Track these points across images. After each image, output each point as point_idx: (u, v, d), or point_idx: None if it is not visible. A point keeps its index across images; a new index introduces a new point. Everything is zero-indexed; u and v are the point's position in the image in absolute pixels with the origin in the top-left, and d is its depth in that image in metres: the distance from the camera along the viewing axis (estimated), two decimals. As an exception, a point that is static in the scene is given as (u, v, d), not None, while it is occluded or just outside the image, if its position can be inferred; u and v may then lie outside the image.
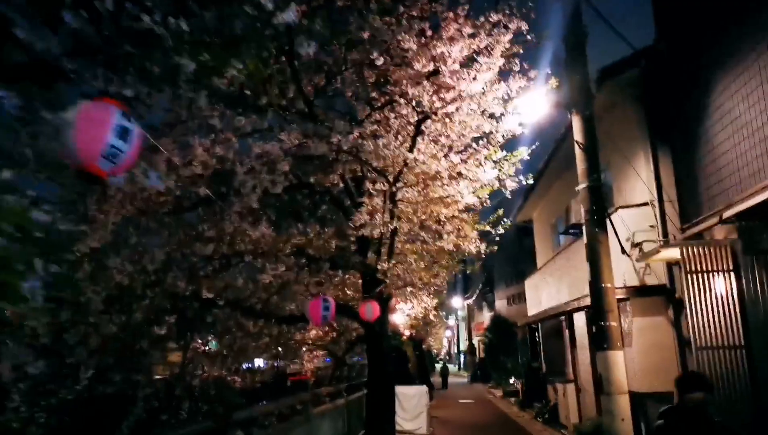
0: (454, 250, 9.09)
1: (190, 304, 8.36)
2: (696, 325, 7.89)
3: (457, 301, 48.37)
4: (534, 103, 8.27)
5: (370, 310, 7.85)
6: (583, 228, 8.45)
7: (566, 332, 14.57)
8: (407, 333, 24.16)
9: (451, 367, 61.20)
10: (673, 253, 8.53)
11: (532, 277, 19.03)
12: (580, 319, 13.21)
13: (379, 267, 8.01)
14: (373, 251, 8.67)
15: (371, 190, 8.26)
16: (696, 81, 8.80)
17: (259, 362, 26.10)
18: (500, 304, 33.94)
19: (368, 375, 9.00)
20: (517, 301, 29.88)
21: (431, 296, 21.60)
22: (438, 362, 50.17)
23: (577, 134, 8.38)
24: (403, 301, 18.66)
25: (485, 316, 39.38)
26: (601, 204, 8.39)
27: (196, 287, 7.90)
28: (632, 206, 10.08)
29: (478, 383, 34.99)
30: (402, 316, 20.67)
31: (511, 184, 8.01)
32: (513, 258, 30.88)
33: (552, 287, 15.66)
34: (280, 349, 14.51)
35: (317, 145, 6.36)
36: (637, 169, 10.14)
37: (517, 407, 20.17)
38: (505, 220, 9.20)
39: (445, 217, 8.57)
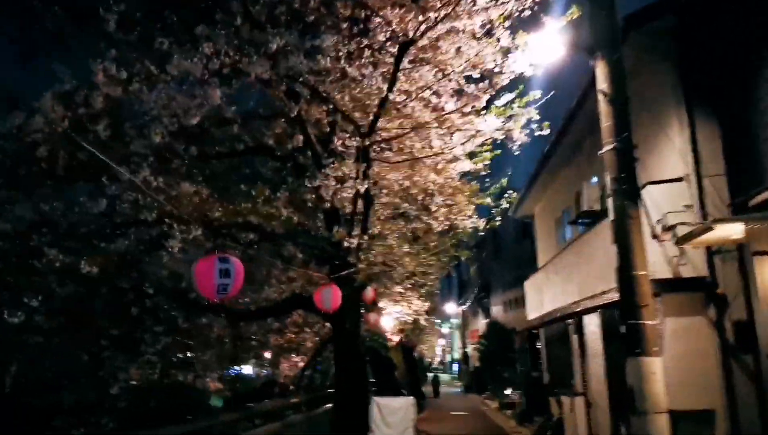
0: (446, 228, 7.30)
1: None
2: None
3: (451, 308, 46.47)
4: (545, 44, 6.57)
5: (329, 297, 6.03)
6: (609, 202, 6.71)
7: (574, 338, 12.73)
8: (395, 338, 22.33)
9: (445, 377, 59.26)
10: (724, 233, 6.76)
11: (534, 277, 17.21)
12: (591, 322, 11.39)
13: (346, 243, 6.21)
14: (344, 227, 6.88)
15: (340, 149, 6.49)
16: (756, 28, 7.07)
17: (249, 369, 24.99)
18: (497, 310, 32.07)
19: (335, 385, 7.21)
20: (515, 307, 28.02)
21: (422, 299, 19.82)
22: (431, 371, 48.15)
23: (602, 83, 6.70)
24: (389, 301, 16.85)
25: (480, 323, 37.56)
26: (632, 170, 6.66)
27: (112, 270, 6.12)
28: (663, 182, 8.29)
29: (472, 394, 33.05)
30: (390, 319, 18.81)
31: (519, 137, 6.23)
32: (511, 261, 29.05)
33: (557, 287, 13.84)
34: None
35: (254, 65, 4.56)
36: (670, 139, 8.36)
37: (514, 421, 18.29)
38: (509, 192, 7.38)
39: (434, 184, 6.77)
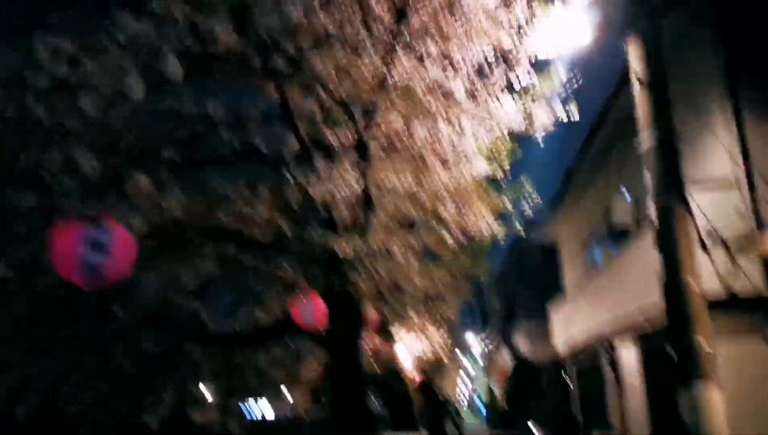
0: (459, 235, 6.33)
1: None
2: None
3: (475, 344, 44.84)
4: (569, 23, 5.74)
5: (308, 311, 5.03)
6: (649, 200, 5.79)
7: (608, 369, 11.54)
8: (417, 377, 21.13)
9: (472, 420, 57.00)
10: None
11: (560, 304, 16.03)
12: (627, 351, 10.23)
13: (342, 253, 5.30)
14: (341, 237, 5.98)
15: (334, 144, 5.64)
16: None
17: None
18: (522, 342, 30.56)
19: (330, 422, 6.20)
20: (542, 339, 26.59)
21: (440, 328, 18.65)
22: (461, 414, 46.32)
23: (637, 65, 5.83)
24: (405, 332, 15.76)
25: (506, 359, 35.98)
26: (676, 164, 5.74)
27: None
28: (709, 185, 7.28)
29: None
30: (408, 355, 17.71)
31: (543, 120, 5.33)
32: (536, 289, 27.74)
33: (586, 314, 12.69)
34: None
35: (214, 20, 3.74)
36: (715, 135, 7.37)
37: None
38: (532, 194, 6.38)
39: (444, 187, 5.86)
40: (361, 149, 5.27)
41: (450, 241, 6.76)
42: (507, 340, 35.74)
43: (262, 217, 5.62)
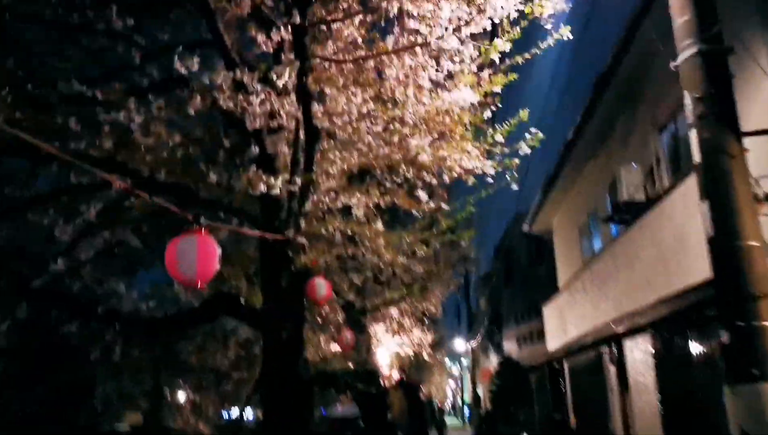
0: (435, 182, 4.83)
1: None
2: None
3: (460, 344, 43.37)
4: None
5: (190, 253, 3.42)
6: (691, 133, 4.32)
7: (610, 369, 10.05)
8: (394, 375, 19.57)
9: (455, 421, 55.42)
10: None
11: (554, 299, 14.57)
12: (636, 346, 8.76)
13: (276, 190, 3.79)
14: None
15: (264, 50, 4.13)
16: None
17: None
18: (510, 345, 29.08)
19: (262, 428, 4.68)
20: (531, 341, 25.12)
21: (422, 324, 17.12)
22: (443, 415, 44.62)
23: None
24: (383, 328, 14.24)
25: (492, 361, 34.57)
26: (726, 84, 4.30)
27: None
28: (758, 134, 5.81)
29: (483, 439, 29.83)
30: (385, 351, 16.14)
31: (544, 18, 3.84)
32: (525, 289, 26.31)
33: (585, 307, 11.24)
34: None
35: None
36: (763, 72, 5.91)
37: (533, 473, 15.40)
38: (532, 131, 4.82)
39: (414, 110, 4.35)
40: (298, 42, 3.74)
41: (424, 196, 5.26)
42: (493, 341, 34.29)
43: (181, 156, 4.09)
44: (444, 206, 5.91)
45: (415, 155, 4.40)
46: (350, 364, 11.97)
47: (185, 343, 10.66)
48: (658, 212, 7.49)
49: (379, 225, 5.09)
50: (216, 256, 3.30)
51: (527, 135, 4.67)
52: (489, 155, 4.71)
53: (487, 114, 4.93)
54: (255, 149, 4.46)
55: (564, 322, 12.97)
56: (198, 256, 3.19)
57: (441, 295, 14.10)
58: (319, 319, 9.50)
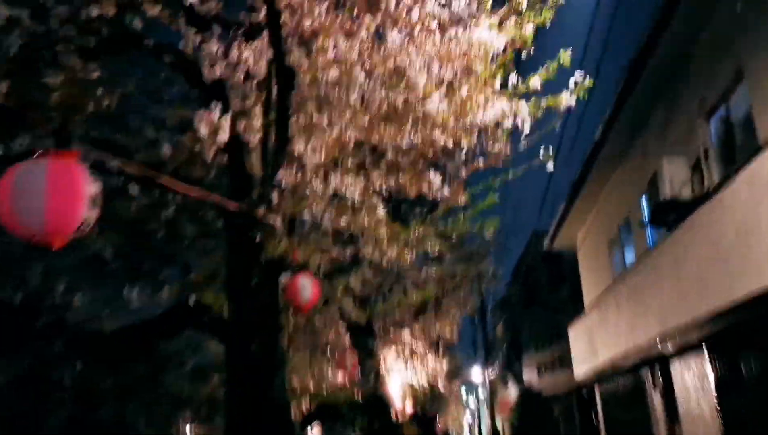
0: (448, 133, 3.74)
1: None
2: None
3: (477, 374, 41.70)
4: None
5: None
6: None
7: (654, 396, 8.77)
8: (408, 408, 18.20)
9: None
10: None
11: (580, 321, 13.28)
12: (688, 367, 7.52)
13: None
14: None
15: None
16: None
17: None
18: (530, 374, 27.57)
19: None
20: (553, 369, 23.65)
21: (436, 352, 15.86)
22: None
23: None
24: (391, 350, 13.02)
25: (511, 392, 32.97)
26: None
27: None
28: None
29: (503, 475, 28.14)
30: (398, 381, 14.85)
31: None
32: (544, 314, 24.92)
33: (619, 325, 9.98)
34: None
35: None
36: None
37: None
38: (580, 74, 3.74)
39: (423, 52, 3.31)
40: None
41: (436, 180, 4.19)
42: (512, 370, 32.71)
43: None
44: (460, 199, 4.83)
45: (423, 100, 3.35)
46: (358, 395, 10.76)
47: (174, 371, 9.50)
48: (714, 205, 6.34)
49: (380, 211, 4.02)
50: (84, 196, 2.16)
51: (571, 82, 3.60)
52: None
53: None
54: (215, 106, 3.46)
55: (593, 345, 11.69)
56: (48, 194, 2.05)
57: (456, 316, 12.88)
58: (321, 341, 8.36)
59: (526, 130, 3.68)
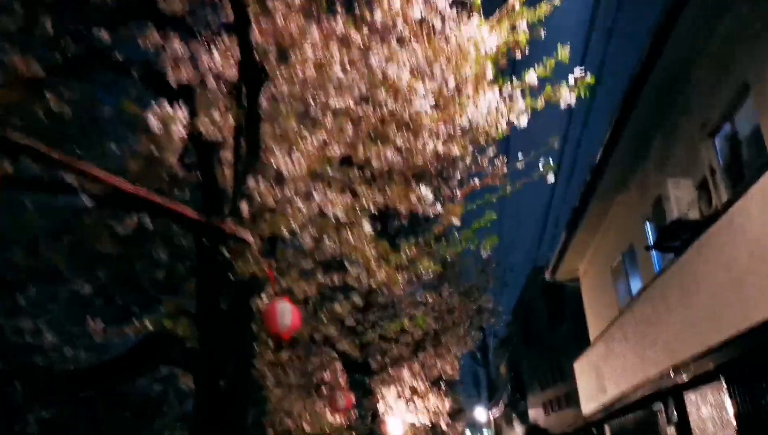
0: (436, 135, 3.43)
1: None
2: None
3: (481, 414, 40.64)
4: None
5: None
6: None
7: (668, 431, 8.25)
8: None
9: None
10: None
11: (586, 355, 12.79)
12: (702, 402, 7.05)
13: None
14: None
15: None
16: None
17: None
18: (535, 413, 26.78)
19: None
20: (559, 407, 22.94)
21: (438, 391, 15.27)
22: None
23: None
24: (390, 389, 12.47)
25: (517, 431, 32.02)
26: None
27: None
28: None
29: None
30: (398, 421, 14.22)
31: None
32: (547, 352, 24.32)
33: (627, 358, 9.52)
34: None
35: None
36: None
37: None
38: (580, 71, 3.45)
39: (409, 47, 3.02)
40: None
41: (428, 194, 3.87)
42: (517, 409, 31.82)
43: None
44: (454, 220, 4.50)
45: (410, 100, 3.04)
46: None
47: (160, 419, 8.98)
48: (724, 225, 6.00)
49: (367, 227, 3.67)
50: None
51: (571, 78, 3.30)
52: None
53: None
54: (182, 113, 3.13)
55: (601, 380, 11.18)
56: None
57: (457, 353, 12.39)
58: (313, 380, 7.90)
59: (523, 123, 3.36)
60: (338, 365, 10.05)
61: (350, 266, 3.89)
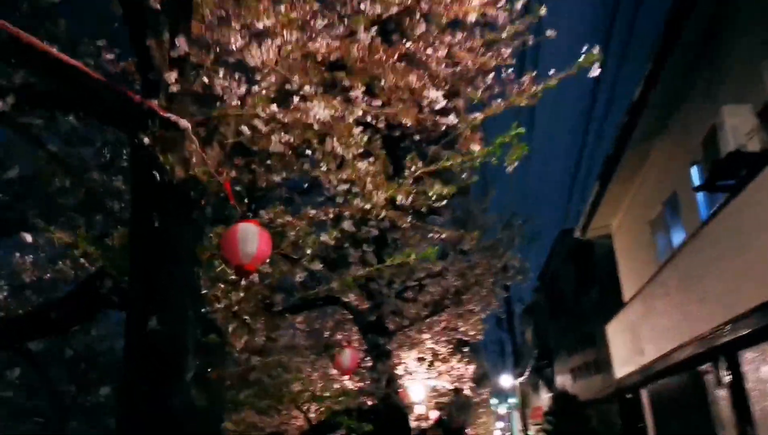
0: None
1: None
2: None
3: (506, 381, 40.04)
4: None
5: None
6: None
7: (718, 395, 7.38)
8: (432, 414, 16.84)
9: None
10: None
11: (620, 316, 11.89)
12: (763, 359, 6.15)
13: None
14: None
15: None
16: None
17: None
18: (562, 379, 26.01)
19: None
20: (588, 373, 22.11)
21: (461, 357, 14.53)
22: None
23: None
24: (408, 351, 11.77)
25: (543, 399, 31.34)
26: None
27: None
28: None
29: (538, 488, 26.49)
30: (419, 386, 13.54)
31: None
32: (575, 317, 23.40)
33: (670, 315, 8.62)
34: None
35: None
36: None
37: None
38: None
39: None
40: None
41: (434, 95, 3.02)
42: (543, 376, 31.08)
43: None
44: (474, 147, 3.65)
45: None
46: (368, 401, 9.53)
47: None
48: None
49: (356, 130, 2.83)
50: None
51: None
52: None
53: None
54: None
55: (638, 341, 10.30)
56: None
57: (481, 313, 11.57)
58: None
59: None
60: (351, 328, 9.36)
61: (332, 179, 3.04)
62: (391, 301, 8.52)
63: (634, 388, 10.78)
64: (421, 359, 12.77)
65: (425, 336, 11.72)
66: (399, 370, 11.35)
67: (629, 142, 9.47)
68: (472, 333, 12.60)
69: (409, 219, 3.69)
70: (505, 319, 34.41)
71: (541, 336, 31.03)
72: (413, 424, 14.12)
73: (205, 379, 2.95)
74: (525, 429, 34.15)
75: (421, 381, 13.56)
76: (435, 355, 13.16)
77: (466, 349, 15.64)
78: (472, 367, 15.48)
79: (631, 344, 10.82)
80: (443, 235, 5.52)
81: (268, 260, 2.94)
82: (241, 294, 3.60)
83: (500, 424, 59.95)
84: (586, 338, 21.96)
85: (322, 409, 9.03)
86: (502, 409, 53.58)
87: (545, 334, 29.88)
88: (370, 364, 9.27)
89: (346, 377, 9.34)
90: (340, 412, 8.15)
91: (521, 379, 35.72)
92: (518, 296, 36.23)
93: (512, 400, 46.49)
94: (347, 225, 3.24)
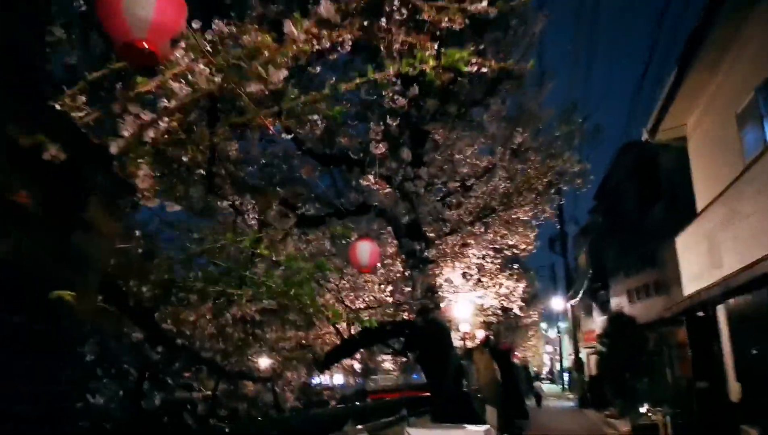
0: None
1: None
2: None
3: (558, 304, 39.08)
4: None
5: None
6: None
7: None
8: (479, 334, 16.04)
9: (554, 388, 51.40)
10: None
11: (693, 226, 10.48)
12: None
13: None
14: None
15: None
16: None
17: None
18: (618, 301, 24.76)
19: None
20: (647, 295, 20.82)
21: (510, 275, 13.47)
22: (536, 381, 40.60)
23: None
24: (453, 259, 10.70)
25: (597, 321, 30.29)
26: None
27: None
28: None
29: (589, 409, 25.89)
30: (466, 303, 12.59)
31: None
32: (635, 236, 21.84)
33: (760, 221, 7.24)
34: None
35: None
36: None
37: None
38: None
39: None
40: None
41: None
42: (597, 299, 29.89)
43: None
44: None
45: None
46: (404, 316, 8.63)
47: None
48: None
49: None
50: None
51: None
52: None
53: None
54: None
55: (716, 252, 8.97)
56: None
57: (532, 221, 10.36)
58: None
59: None
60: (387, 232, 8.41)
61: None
62: (429, 202, 7.43)
63: (709, 305, 9.51)
64: (466, 275, 11.78)
65: (471, 251, 10.65)
66: (441, 284, 10.37)
67: (721, 11, 7.82)
68: (522, 247, 11.47)
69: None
70: (558, 240, 33.09)
71: (596, 257, 29.60)
72: (458, 343, 13.33)
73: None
74: (576, 352, 33.34)
75: (467, 298, 12.62)
76: (481, 270, 12.14)
77: (515, 266, 14.58)
78: (521, 285, 14.40)
79: (708, 256, 9.49)
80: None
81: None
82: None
83: (549, 348, 59.58)
84: (646, 258, 20.55)
85: (354, 324, 8.19)
86: (552, 333, 53.04)
87: (601, 255, 28.47)
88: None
89: (378, 288, 8.44)
90: (372, 329, 7.28)
91: (573, 301, 34.60)
92: (572, 219, 34.70)
93: (563, 325, 45.71)
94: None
